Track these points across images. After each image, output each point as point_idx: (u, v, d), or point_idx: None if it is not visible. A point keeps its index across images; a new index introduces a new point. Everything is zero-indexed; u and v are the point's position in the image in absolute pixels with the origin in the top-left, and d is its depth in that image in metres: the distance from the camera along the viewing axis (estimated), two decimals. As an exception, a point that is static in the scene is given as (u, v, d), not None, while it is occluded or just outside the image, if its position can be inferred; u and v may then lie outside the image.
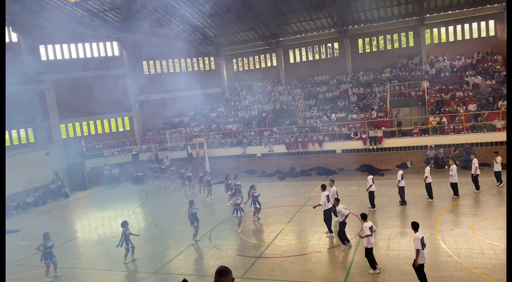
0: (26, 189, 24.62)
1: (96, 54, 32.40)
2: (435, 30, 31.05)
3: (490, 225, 13.42)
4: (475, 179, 17.41)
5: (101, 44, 32.54)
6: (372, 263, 10.92)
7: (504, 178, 17.92)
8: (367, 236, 10.80)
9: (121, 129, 34.04)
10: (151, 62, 35.11)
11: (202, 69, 37.37)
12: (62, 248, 15.70)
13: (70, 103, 29.67)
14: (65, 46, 30.93)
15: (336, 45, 34.28)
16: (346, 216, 12.67)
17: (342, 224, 12.72)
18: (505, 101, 23.01)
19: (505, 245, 11.68)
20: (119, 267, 13.42)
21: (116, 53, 33.34)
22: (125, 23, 30.86)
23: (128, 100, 33.74)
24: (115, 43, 33.12)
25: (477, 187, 17.41)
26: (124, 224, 13.84)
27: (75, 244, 16.59)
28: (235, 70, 38.23)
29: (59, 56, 30.75)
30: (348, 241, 12.91)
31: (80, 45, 31.57)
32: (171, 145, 29.54)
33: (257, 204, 16.68)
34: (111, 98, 30.89)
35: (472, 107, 23.59)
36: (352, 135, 25.12)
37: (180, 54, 35.30)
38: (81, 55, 31.73)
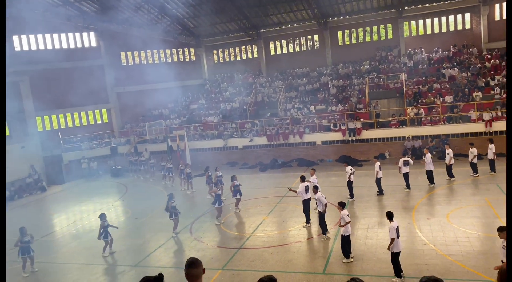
0: (1, 183, 23.99)
1: (72, 45, 31.64)
2: (413, 22, 31.47)
3: (465, 213, 13.81)
4: (449, 168, 17.91)
5: (77, 34, 31.77)
6: (347, 252, 11.11)
7: (480, 168, 18.42)
8: (348, 223, 10.98)
9: (99, 121, 33.43)
10: (129, 53, 34.50)
11: (182, 60, 36.95)
12: (39, 242, 15.41)
13: (46, 95, 28.94)
14: (40, 36, 30.09)
15: (316, 37, 34.39)
16: (325, 205, 12.83)
17: (322, 214, 12.89)
18: (480, 93, 23.61)
19: (479, 233, 12.07)
20: (99, 261, 13.29)
21: (93, 43, 32.64)
22: (102, 13, 30.17)
23: (106, 92, 33.15)
24: (92, 34, 32.40)
25: (451, 175, 17.92)
26: (102, 216, 13.70)
27: (53, 239, 16.32)
28: (215, 61, 37.95)
29: (33, 47, 29.91)
30: (327, 231, 13.10)
31: (55, 35, 30.75)
32: (151, 138, 29.21)
33: (238, 194, 16.73)
34: (89, 90, 30.19)
35: (448, 99, 24.10)
36: (331, 127, 25.36)
37: (159, 45, 34.76)
38: (57, 46, 30.91)
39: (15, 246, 12.79)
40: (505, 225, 8.44)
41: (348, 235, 11.12)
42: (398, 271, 9.78)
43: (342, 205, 11.34)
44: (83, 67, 31.24)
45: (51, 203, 22.94)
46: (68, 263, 13.41)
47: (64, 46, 31.24)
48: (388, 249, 9.84)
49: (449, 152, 17.85)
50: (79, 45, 31.93)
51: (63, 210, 20.89)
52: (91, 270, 12.62)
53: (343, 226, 11.07)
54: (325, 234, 12.98)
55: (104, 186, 25.68)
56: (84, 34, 32.11)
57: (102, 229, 13.55)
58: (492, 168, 18.28)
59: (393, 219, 9.85)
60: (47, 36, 30.43)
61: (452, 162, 17.85)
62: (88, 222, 18.00)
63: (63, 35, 31.06)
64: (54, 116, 31.15)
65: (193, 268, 4.07)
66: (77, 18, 30.42)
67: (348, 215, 11.14)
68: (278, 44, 35.63)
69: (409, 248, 11.37)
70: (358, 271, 10.47)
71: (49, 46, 30.61)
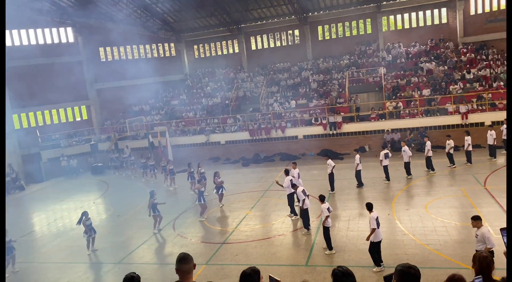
0: (-23, 183, 23.41)
1: (49, 41, 30.92)
2: (391, 17, 31.89)
3: (442, 204, 14.20)
4: (428, 160, 18.35)
5: (54, 29, 31.07)
6: (329, 243, 11.32)
7: (457, 159, 18.89)
8: (327, 217, 11.18)
9: (78, 118, 32.85)
10: (108, 48, 33.94)
11: (162, 55, 36.57)
12: (19, 242, 15.07)
13: (23, 92, 28.30)
14: (15, 32, 29.30)
15: (296, 32, 34.52)
16: (303, 201, 12.97)
17: (304, 210, 13.03)
18: (457, 86, 24.17)
19: (456, 223, 12.43)
20: (81, 259, 13.16)
21: (71, 39, 31.99)
22: (79, 8, 29.57)
23: (85, 88, 32.58)
24: (69, 29, 31.73)
25: (430, 167, 18.35)
26: (85, 214, 13.61)
27: (33, 238, 16.06)
28: (196, 56, 37.70)
29: (9, 43, 29.11)
30: (309, 226, 13.27)
31: (31, 31, 29.99)
32: (131, 134, 28.89)
33: (221, 191, 16.77)
34: (67, 86, 29.61)
35: (426, 92, 24.59)
36: (312, 121, 25.59)
37: (139, 40, 34.34)
38: (33, 42, 30.15)
39: None
40: (478, 215, 8.73)
41: (328, 227, 11.32)
42: (377, 261, 10.02)
43: (321, 199, 11.55)
44: (61, 63, 30.53)
45: (30, 202, 22.52)
46: (49, 262, 13.24)
47: (41, 41, 30.51)
48: (367, 239, 10.07)
49: (427, 144, 18.27)
50: (56, 40, 31.23)
51: (43, 208, 20.55)
52: (72, 269, 12.49)
53: (324, 222, 11.27)
54: (308, 229, 13.11)
55: (85, 183, 25.34)
56: (61, 30, 31.42)
57: (85, 227, 13.45)
58: (469, 159, 18.79)
59: (373, 210, 10.07)
60: (23, 31, 29.66)
61: (430, 153, 18.27)
62: (69, 220, 17.77)
63: (39, 31, 30.32)
64: (32, 114, 30.44)
65: (184, 263, 4.12)
66: (54, 12, 29.75)
67: (328, 208, 11.33)
68: (259, 39, 35.62)
69: (389, 239, 11.64)
70: (340, 262, 10.66)
71: (25, 42, 29.86)
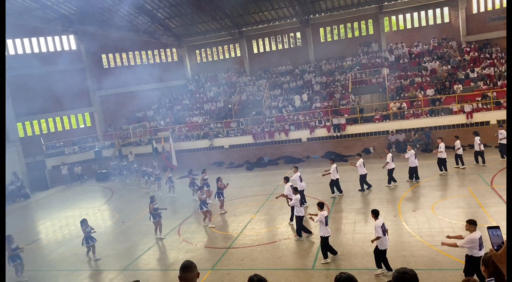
0: (-18, 192, 23.45)
1: (52, 49, 31.11)
2: (393, 17, 31.78)
3: (449, 204, 14.05)
4: (441, 161, 17.78)
5: (56, 38, 31.25)
6: (325, 252, 10.95)
7: (466, 159, 18.60)
8: (321, 222, 10.79)
9: (82, 125, 32.96)
10: (110, 55, 34.07)
11: (165, 61, 36.64)
12: (25, 250, 15.12)
13: (27, 100, 28.35)
14: (17, 41, 29.50)
15: (298, 34, 34.49)
16: (292, 200, 12.78)
17: (299, 218, 12.75)
18: (460, 85, 24.01)
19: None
20: (87, 267, 13.13)
21: (73, 47, 32.16)
22: (81, 16, 29.73)
23: (88, 95, 32.71)
24: (71, 37, 31.90)
25: (443, 168, 17.79)
26: (84, 222, 13.55)
27: (38, 246, 16.05)
28: (198, 61, 37.74)
29: (12, 52, 29.31)
30: (307, 232, 12.95)
31: (34, 39, 30.20)
32: (135, 140, 28.91)
33: (221, 196, 16.61)
34: (70, 94, 29.74)
35: (430, 92, 24.44)
36: (316, 124, 25.48)
37: (141, 46, 34.47)
38: (36, 50, 30.36)
39: (6, 255, 12.52)
40: (474, 219, 8.50)
41: (327, 237, 10.89)
42: (379, 263, 9.85)
43: (320, 206, 11.30)
44: (64, 71, 30.68)
45: (36, 210, 22.54)
46: (55, 270, 13.21)
47: (44, 50, 30.71)
48: (372, 242, 9.92)
49: (441, 146, 17.64)
50: (58, 48, 31.41)
51: (48, 216, 20.55)
52: (78, 276, 12.45)
53: (315, 221, 11.04)
54: (300, 236, 12.83)
55: (89, 190, 25.35)
56: (64, 37, 31.59)
57: (85, 234, 13.41)
58: (483, 160, 18.28)
59: (378, 217, 9.82)
60: (26, 40, 29.87)
61: (444, 155, 17.73)
62: (74, 227, 17.73)
63: (41, 39, 30.51)
64: (36, 122, 30.59)
65: (187, 272, 4.08)
66: (56, 21, 29.93)
67: (326, 216, 10.97)
68: (260, 42, 35.62)
69: (396, 240, 11.51)
70: (347, 266, 10.55)
71: (28, 51, 30.05)
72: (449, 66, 26.21)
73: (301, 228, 12.82)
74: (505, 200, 13.50)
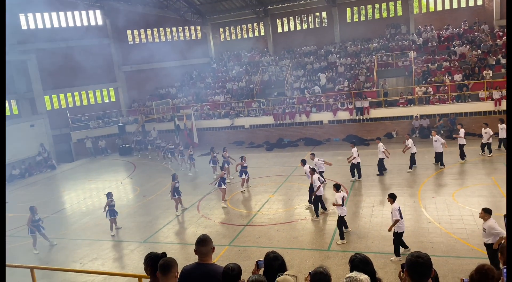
0: (11, 161, 24.37)
1: (78, 23, 31.44)
2: (424, -1, 30.75)
3: (470, 192, 13.83)
4: (461, 148, 17.57)
5: (83, 12, 31.54)
6: (341, 230, 11.24)
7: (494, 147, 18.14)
8: (338, 205, 11.17)
9: (106, 100, 33.53)
10: (135, 31, 34.24)
11: (188, 38, 36.63)
12: (50, 219, 15.79)
13: (54, 74, 28.96)
14: (46, 14, 29.92)
15: (324, 14, 33.80)
16: (318, 188, 12.95)
17: (317, 197, 13.04)
18: (490, 71, 23.22)
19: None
20: (108, 237, 13.59)
21: (100, 22, 32.43)
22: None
23: (113, 70, 33.12)
24: (98, 12, 32.15)
25: (462, 155, 17.61)
26: (109, 195, 13.95)
27: (63, 215, 16.68)
28: (222, 39, 37.57)
29: (40, 25, 29.79)
30: (323, 208, 13.32)
31: (61, 13, 30.55)
32: (158, 117, 29.31)
33: (243, 175, 16.83)
34: (96, 68, 30.16)
35: (457, 77, 23.74)
36: (339, 106, 25.20)
37: (165, 23, 34.48)
38: (63, 24, 30.76)
39: (27, 225, 13.05)
40: (489, 208, 8.49)
41: (343, 216, 11.29)
42: (398, 251, 9.89)
43: (337, 187, 11.57)
44: (90, 46, 31.05)
45: (61, 180, 23.33)
46: (79, 239, 13.75)
47: (71, 24, 31.07)
48: (390, 230, 9.92)
49: (461, 132, 17.41)
50: (85, 23, 31.73)
51: (73, 187, 21.26)
52: (100, 246, 12.93)
53: (334, 205, 11.43)
54: (318, 216, 13.12)
55: (113, 164, 26.00)
56: (90, 12, 31.87)
57: (107, 207, 13.80)
58: (501, 146, 18.09)
59: (395, 201, 9.90)
60: (53, 14, 30.26)
61: (464, 141, 17.51)
62: (97, 199, 18.32)
63: (69, 14, 30.85)
64: (62, 95, 31.30)
65: (202, 245, 4.21)
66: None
67: (343, 197, 11.26)
68: (285, 21, 35.09)
69: (414, 226, 11.48)
70: (363, 248, 10.61)
71: (56, 25, 30.48)
72: (479, 51, 25.32)
73: (320, 202, 13.15)
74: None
